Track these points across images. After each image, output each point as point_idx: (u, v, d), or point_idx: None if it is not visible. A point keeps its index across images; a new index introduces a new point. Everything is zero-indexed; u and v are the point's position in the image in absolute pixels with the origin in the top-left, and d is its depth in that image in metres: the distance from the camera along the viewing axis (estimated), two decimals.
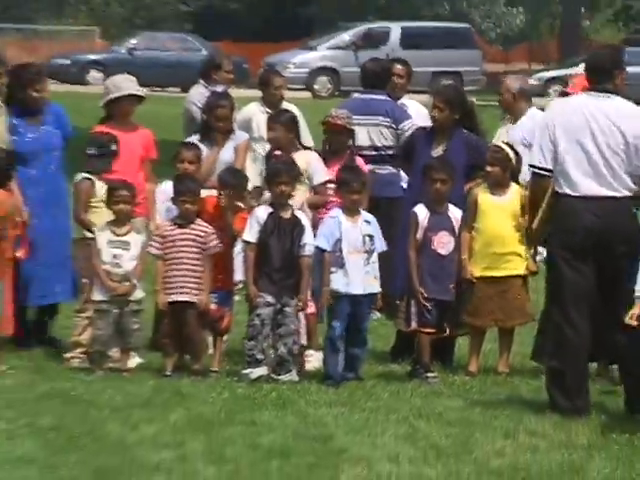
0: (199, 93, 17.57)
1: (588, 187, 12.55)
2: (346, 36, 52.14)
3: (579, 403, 12.80)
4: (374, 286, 13.90)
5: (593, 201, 12.68)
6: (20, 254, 14.14)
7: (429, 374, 13.89)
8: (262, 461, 10.69)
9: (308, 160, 14.88)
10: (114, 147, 14.66)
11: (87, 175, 14.63)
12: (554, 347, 12.80)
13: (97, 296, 14.01)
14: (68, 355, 14.35)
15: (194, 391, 13.26)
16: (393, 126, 16.05)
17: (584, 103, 13.36)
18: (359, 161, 15.42)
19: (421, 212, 13.94)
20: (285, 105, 17.72)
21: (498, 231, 14.31)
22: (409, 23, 53.44)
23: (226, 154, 15.59)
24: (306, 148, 15.62)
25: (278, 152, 15.35)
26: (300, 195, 14.49)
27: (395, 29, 51.33)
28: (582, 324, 12.56)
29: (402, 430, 11.89)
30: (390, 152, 16.03)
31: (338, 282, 13.65)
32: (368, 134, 15.89)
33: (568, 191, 12.61)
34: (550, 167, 12.55)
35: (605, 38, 74.83)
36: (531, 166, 12.94)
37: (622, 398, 13.03)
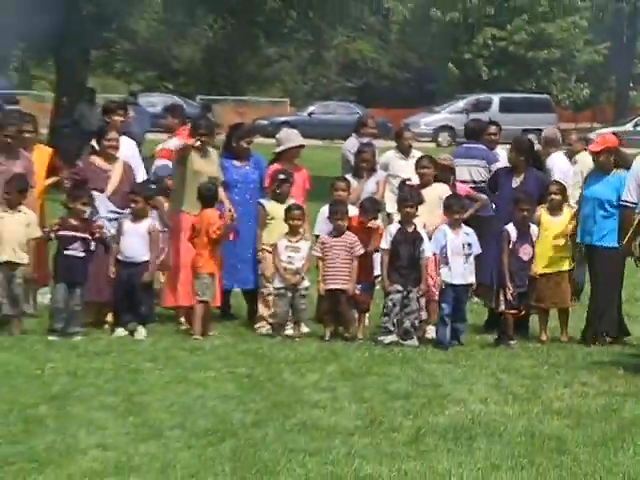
0: (352, 143, 18.03)
1: None
2: (460, 104, 53.28)
3: None
4: (471, 278, 14.95)
5: None
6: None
7: (511, 341, 14.82)
8: (390, 401, 11.72)
9: (440, 191, 15.73)
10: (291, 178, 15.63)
11: (261, 201, 15.68)
12: None
13: (277, 284, 15.01)
14: (257, 325, 15.34)
15: (344, 351, 14.20)
16: (486, 166, 16.99)
17: None
18: (460, 189, 16.21)
19: (512, 230, 14.91)
20: (413, 152, 18.42)
21: (554, 241, 15.32)
22: (505, 95, 54.67)
23: (370, 186, 16.50)
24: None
25: (409, 182, 16.34)
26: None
27: (495, 99, 52.31)
28: None
29: (490, 381, 12.88)
30: (484, 185, 16.79)
31: (445, 275, 14.76)
32: (469, 172, 16.73)
33: None
34: (635, 201, 13.50)
35: None
36: (623, 201, 13.82)
37: None
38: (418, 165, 16.29)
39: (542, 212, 15.47)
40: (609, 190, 15.23)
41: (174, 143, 16.61)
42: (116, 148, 15.30)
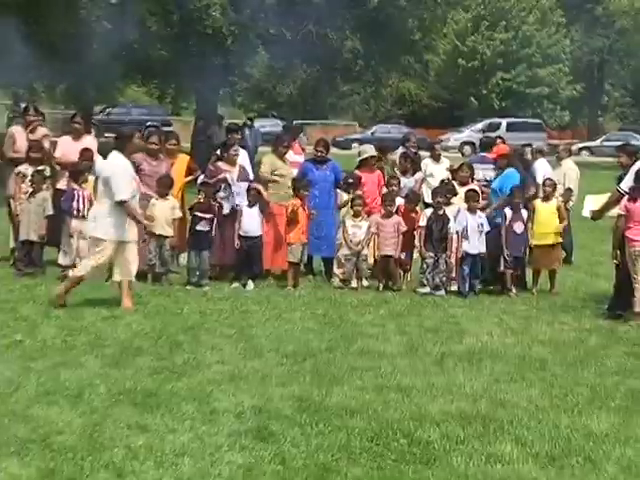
0: (399, 152, 17.57)
1: None
2: (479, 125, 53.01)
3: None
4: (482, 248, 14.65)
5: None
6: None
7: (511, 293, 14.66)
8: (423, 334, 11.67)
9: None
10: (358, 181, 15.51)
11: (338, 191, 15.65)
12: None
13: (345, 251, 14.88)
14: (332, 280, 15.11)
15: (392, 299, 14.11)
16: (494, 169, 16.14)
17: None
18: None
19: (508, 212, 14.82)
20: (442, 159, 18.26)
21: (545, 221, 15.08)
22: (510, 119, 54.18)
23: (411, 183, 16.49)
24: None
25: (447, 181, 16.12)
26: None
27: (503, 122, 51.80)
28: None
29: (495, 320, 12.84)
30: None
31: (466, 247, 14.55)
32: (483, 174, 16.27)
33: None
34: (626, 189, 13.04)
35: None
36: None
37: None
38: (460, 169, 16.15)
39: (537, 201, 15.31)
40: (503, 182, 15.52)
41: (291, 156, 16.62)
42: (237, 156, 15.25)
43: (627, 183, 13.36)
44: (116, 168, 12.08)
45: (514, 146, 18.11)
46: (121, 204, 11.97)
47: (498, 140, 18.16)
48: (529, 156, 17.60)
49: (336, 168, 16.03)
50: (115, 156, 12.30)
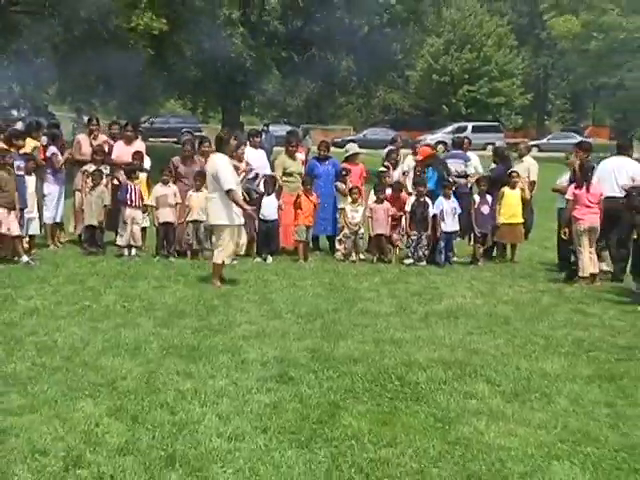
0: (387, 150, 17.20)
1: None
2: (450, 128, 52.15)
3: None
4: (455, 227, 14.65)
5: None
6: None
7: (479, 262, 14.66)
8: (410, 297, 11.68)
9: None
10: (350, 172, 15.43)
11: (337, 183, 15.45)
12: None
13: (346, 231, 14.78)
14: (335, 254, 14.96)
15: (384, 269, 13.98)
16: (463, 163, 16.20)
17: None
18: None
19: (476, 197, 14.90)
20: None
21: (511, 204, 15.04)
22: (475, 123, 53.25)
23: (396, 175, 16.08)
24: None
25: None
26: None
27: (469, 125, 50.99)
28: None
29: (467, 285, 12.78)
30: (462, 174, 16.02)
31: (443, 226, 14.44)
32: (454, 167, 15.85)
33: None
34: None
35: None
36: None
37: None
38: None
39: (505, 188, 15.18)
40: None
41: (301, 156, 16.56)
42: (243, 154, 14.73)
43: (565, 177, 13.95)
44: (220, 165, 11.93)
45: (433, 146, 17.77)
46: (228, 192, 11.82)
47: (440, 145, 18.32)
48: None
49: (336, 164, 15.90)
50: (218, 156, 12.18)
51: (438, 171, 15.30)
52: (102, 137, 15.88)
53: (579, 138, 53.67)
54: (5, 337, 8.85)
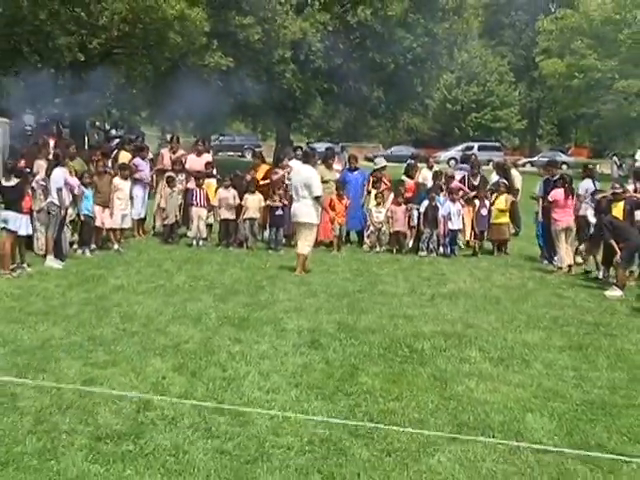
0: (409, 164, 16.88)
1: None
2: (460, 147, 50.39)
3: None
4: (459, 225, 14.43)
5: None
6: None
7: (479, 255, 14.28)
8: (421, 281, 11.44)
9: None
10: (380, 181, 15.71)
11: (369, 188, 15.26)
12: None
13: (371, 228, 14.60)
14: (363, 246, 14.75)
15: (401, 259, 13.62)
16: (467, 174, 15.78)
17: None
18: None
19: (477, 202, 14.53)
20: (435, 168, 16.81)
21: (500, 208, 14.62)
22: (481, 143, 51.92)
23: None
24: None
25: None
26: None
27: (476, 145, 49.53)
28: None
29: (467, 272, 12.54)
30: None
31: (449, 225, 14.21)
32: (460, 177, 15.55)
33: None
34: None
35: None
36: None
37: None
38: (441, 176, 15.49)
39: (496, 194, 14.93)
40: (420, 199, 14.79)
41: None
42: (287, 165, 14.79)
43: (539, 186, 13.70)
44: (313, 175, 11.85)
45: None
46: (318, 199, 11.78)
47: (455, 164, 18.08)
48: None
49: (364, 173, 15.69)
50: (307, 168, 12.05)
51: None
52: (180, 151, 15.97)
53: (564, 156, 53.67)
54: (96, 307, 8.97)
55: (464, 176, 15.83)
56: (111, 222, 13.35)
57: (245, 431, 5.36)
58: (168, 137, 19.79)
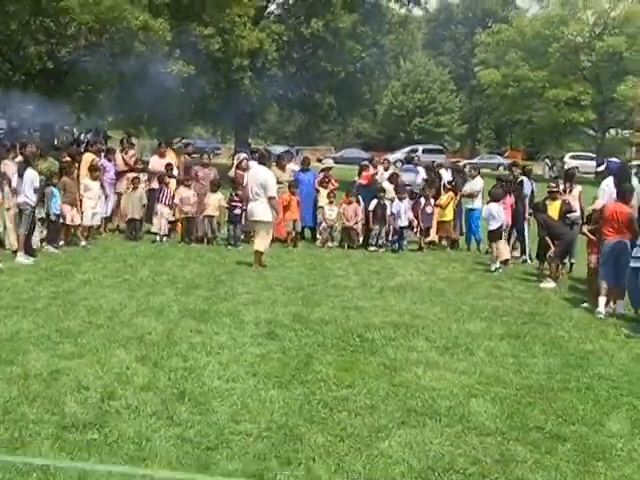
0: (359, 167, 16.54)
1: None
2: (406, 149, 48.52)
3: None
4: (406, 223, 14.27)
5: None
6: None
7: (424, 250, 14.22)
8: (371, 274, 11.32)
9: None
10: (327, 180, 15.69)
11: (318, 187, 14.93)
12: None
13: (324, 224, 14.42)
14: (316, 242, 14.53)
15: (352, 254, 13.52)
16: (414, 176, 15.94)
17: None
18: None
19: (422, 200, 14.58)
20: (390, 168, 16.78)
21: (445, 206, 14.60)
22: (425, 146, 50.88)
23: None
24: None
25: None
26: None
27: (420, 148, 47.79)
28: None
29: (414, 266, 12.45)
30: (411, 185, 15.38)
31: (397, 222, 14.13)
32: (407, 179, 15.54)
33: None
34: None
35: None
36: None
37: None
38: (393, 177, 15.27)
39: (442, 194, 14.96)
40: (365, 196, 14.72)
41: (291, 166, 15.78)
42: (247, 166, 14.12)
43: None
44: (269, 177, 11.60)
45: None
46: (272, 199, 11.56)
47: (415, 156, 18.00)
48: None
49: (314, 174, 15.48)
50: (263, 168, 11.74)
51: (371, 192, 14.67)
52: (131, 152, 15.65)
53: (500, 158, 54.36)
54: (64, 301, 8.72)
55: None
56: (81, 220, 13.12)
57: (206, 419, 5.22)
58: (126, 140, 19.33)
